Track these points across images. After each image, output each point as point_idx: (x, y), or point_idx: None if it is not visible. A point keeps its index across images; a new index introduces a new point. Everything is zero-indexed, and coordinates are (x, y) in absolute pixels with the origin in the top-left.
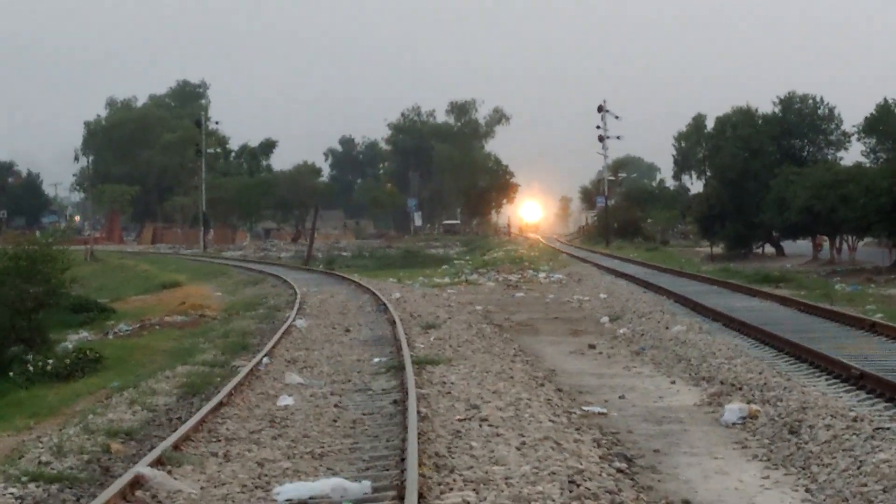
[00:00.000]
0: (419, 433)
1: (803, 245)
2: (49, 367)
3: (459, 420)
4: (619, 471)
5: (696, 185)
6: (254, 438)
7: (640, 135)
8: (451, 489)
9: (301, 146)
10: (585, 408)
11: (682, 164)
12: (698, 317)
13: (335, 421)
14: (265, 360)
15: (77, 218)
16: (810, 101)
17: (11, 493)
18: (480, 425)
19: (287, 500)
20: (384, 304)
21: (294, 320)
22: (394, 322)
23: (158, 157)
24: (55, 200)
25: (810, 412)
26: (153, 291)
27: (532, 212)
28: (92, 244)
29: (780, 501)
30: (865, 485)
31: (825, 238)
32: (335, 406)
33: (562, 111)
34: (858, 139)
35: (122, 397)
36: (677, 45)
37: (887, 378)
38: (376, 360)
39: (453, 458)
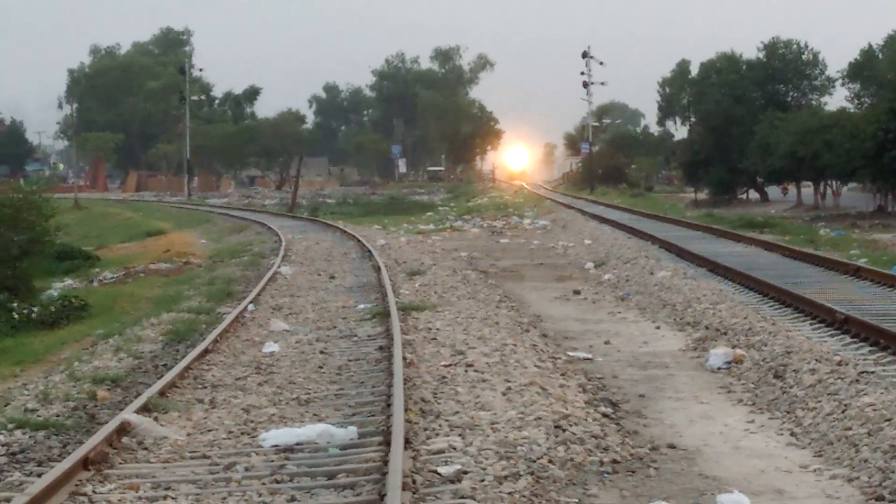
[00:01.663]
0: (405, 379)
1: (792, 190)
2: (34, 315)
3: (445, 366)
4: (605, 415)
5: (680, 131)
6: (239, 385)
7: (625, 81)
8: (438, 434)
9: (285, 93)
10: (571, 353)
11: (667, 110)
12: (683, 262)
13: (321, 367)
14: (250, 307)
15: (61, 166)
16: (794, 46)
17: None
18: (466, 371)
19: (273, 445)
20: (369, 251)
21: (279, 267)
22: (379, 269)
23: (142, 105)
24: (39, 148)
25: (795, 356)
26: (138, 239)
27: (518, 158)
28: (76, 192)
29: (765, 445)
30: (850, 428)
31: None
32: (321, 352)
33: (546, 57)
34: (843, 84)
35: (108, 345)
36: None
37: (872, 322)
38: (361, 306)
39: (439, 403)
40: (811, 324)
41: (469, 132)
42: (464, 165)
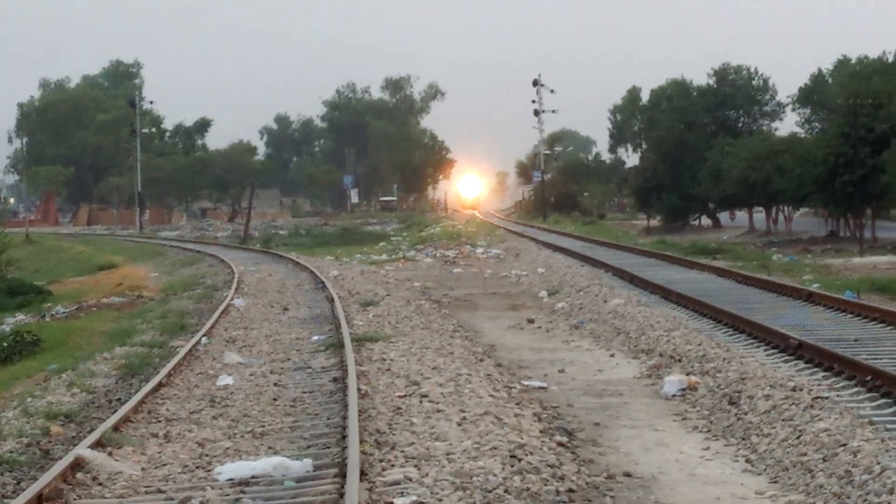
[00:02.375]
0: (360, 410)
1: (740, 216)
2: None
3: (400, 397)
4: (560, 444)
5: (632, 158)
6: (194, 419)
7: (576, 108)
8: (393, 466)
9: (236, 125)
10: (525, 382)
11: (618, 137)
12: (636, 289)
13: (275, 400)
14: (204, 339)
15: (11, 200)
16: (745, 71)
17: None
18: (421, 401)
19: (229, 479)
20: (322, 282)
21: (232, 299)
22: (332, 300)
23: (93, 138)
24: None
25: (749, 383)
26: (90, 273)
27: (471, 187)
28: (27, 226)
29: (721, 472)
30: (805, 454)
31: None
32: (275, 385)
33: (498, 86)
34: (793, 109)
35: (61, 379)
36: (612, 18)
37: (825, 347)
38: (315, 337)
39: (394, 434)
40: (765, 350)
41: (421, 161)
42: (416, 195)
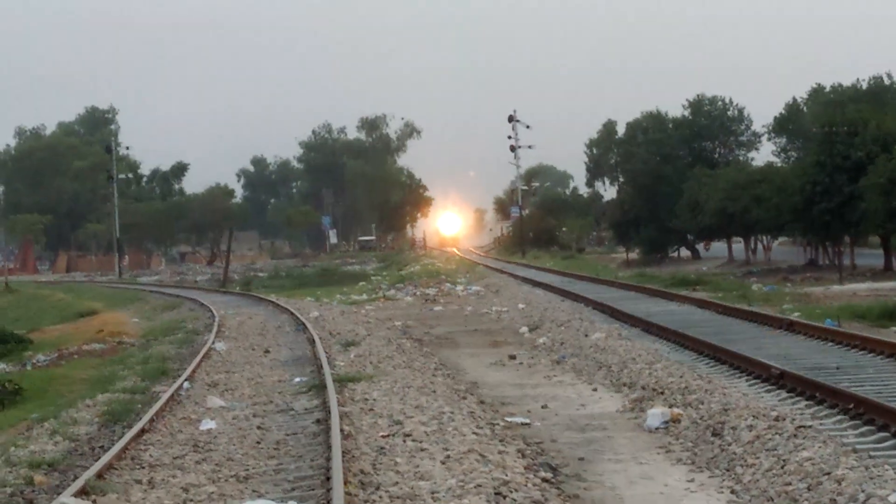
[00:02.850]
0: (343, 451)
1: (718, 247)
2: None
3: (383, 436)
4: (545, 480)
5: (609, 192)
6: (178, 464)
7: (552, 143)
8: None
9: (213, 168)
10: (508, 419)
11: (595, 170)
12: (617, 323)
13: (259, 443)
14: (186, 384)
15: None
16: (720, 102)
17: None
18: (404, 441)
19: None
20: (303, 324)
21: (213, 343)
22: (313, 341)
23: (70, 185)
24: None
25: (732, 413)
26: (70, 320)
27: (450, 224)
28: (6, 275)
29: None
30: (790, 483)
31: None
32: (258, 428)
33: (473, 122)
34: (769, 139)
35: (43, 428)
36: (585, 52)
37: (807, 376)
38: (297, 379)
39: (379, 474)
40: (747, 380)
41: (399, 200)
42: (395, 234)
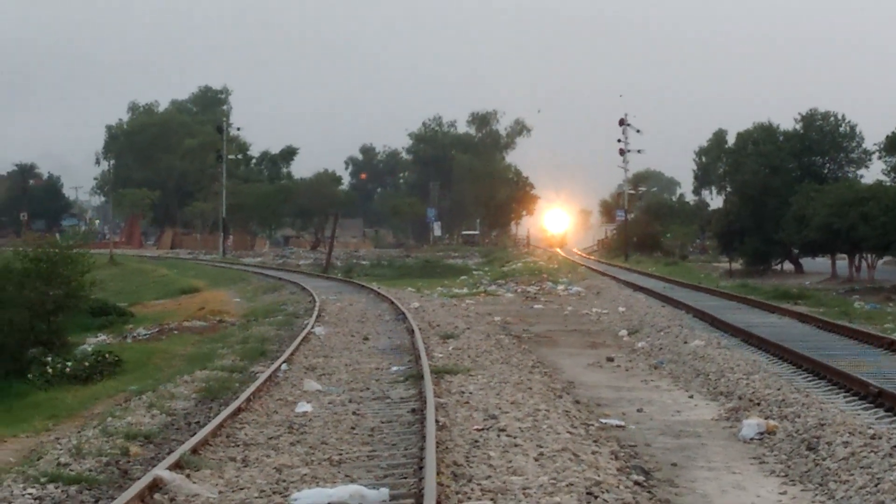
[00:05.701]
0: (437, 442)
1: (822, 263)
2: (68, 370)
3: (477, 430)
4: (637, 483)
5: (715, 201)
6: (272, 444)
7: (661, 149)
8: (469, 498)
9: (322, 154)
10: (603, 420)
11: (703, 179)
12: (717, 332)
13: (353, 428)
14: (284, 366)
15: (97, 222)
16: (832, 118)
17: (30, 494)
18: (498, 435)
19: None
20: (403, 314)
21: (313, 327)
22: (412, 331)
23: (179, 163)
24: (75, 203)
25: (828, 429)
26: (172, 296)
27: (558, 222)
28: (112, 248)
29: None
30: (883, 502)
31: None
32: (353, 413)
33: (583, 124)
34: (880, 157)
35: (141, 401)
36: (699, 61)
37: None
38: (395, 368)
39: (471, 467)
40: (845, 396)
41: (505, 197)
42: (499, 230)
